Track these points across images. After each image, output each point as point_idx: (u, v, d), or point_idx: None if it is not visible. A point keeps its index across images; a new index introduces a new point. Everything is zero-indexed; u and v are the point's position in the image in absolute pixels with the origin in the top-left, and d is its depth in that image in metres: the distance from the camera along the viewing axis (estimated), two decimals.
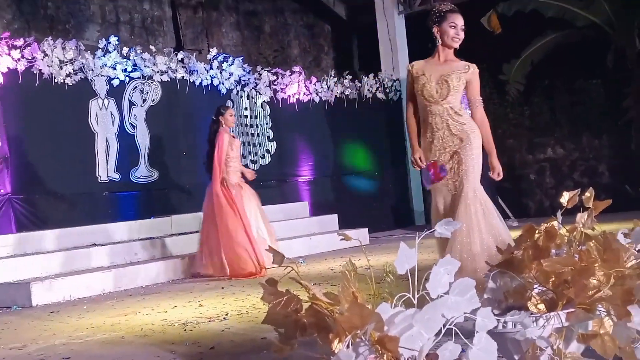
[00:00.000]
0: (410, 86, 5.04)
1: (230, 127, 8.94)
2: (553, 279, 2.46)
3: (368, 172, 14.41)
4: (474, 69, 5.01)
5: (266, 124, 12.64)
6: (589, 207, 2.71)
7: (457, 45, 5.01)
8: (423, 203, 14.59)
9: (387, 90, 14.67)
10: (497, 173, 5.05)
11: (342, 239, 2.57)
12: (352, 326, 1.91)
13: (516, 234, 2.64)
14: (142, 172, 10.60)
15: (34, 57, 9.28)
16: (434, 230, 2.28)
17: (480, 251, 4.52)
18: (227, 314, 5.81)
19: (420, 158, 4.91)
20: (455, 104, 4.93)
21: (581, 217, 2.67)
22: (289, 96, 12.90)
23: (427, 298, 1.95)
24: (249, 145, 12.13)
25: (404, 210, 14.70)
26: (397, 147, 14.69)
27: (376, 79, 14.39)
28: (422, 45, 15.59)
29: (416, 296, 1.96)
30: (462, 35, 4.98)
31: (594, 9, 16.29)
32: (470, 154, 4.87)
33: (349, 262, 2.29)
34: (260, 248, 8.49)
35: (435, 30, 4.99)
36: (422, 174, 4.94)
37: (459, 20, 4.97)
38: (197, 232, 9.90)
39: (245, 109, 12.25)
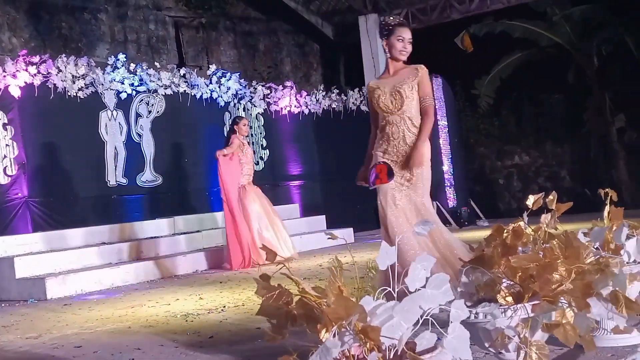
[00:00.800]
0: (370, 104, 4.73)
1: (243, 135, 9.09)
2: (520, 274, 2.46)
3: (352, 177, 14.38)
4: (422, 70, 4.59)
5: (260, 133, 12.65)
6: (552, 209, 2.71)
7: (404, 58, 4.61)
8: None
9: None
10: (413, 163, 4.46)
11: (329, 238, 2.56)
12: (338, 317, 1.90)
13: (486, 233, 2.64)
14: (148, 177, 10.59)
15: (49, 73, 9.28)
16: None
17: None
18: (224, 306, 5.79)
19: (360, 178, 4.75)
20: (412, 113, 4.53)
21: (545, 217, 2.68)
22: (281, 108, 12.92)
23: (406, 291, 1.94)
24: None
25: None
26: None
27: (360, 92, 14.39)
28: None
29: (396, 290, 1.95)
30: (409, 48, 4.59)
31: (557, 30, 16.38)
32: (421, 167, 4.52)
33: (335, 259, 2.29)
34: (256, 245, 8.58)
35: (384, 43, 4.63)
36: (370, 174, 4.50)
37: (406, 34, 4.57)
38: (198, 231, 9.93)
39: None
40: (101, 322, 5.58)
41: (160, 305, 6.22)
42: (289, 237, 9.28)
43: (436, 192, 13.45)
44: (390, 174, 4.37)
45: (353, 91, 14.36)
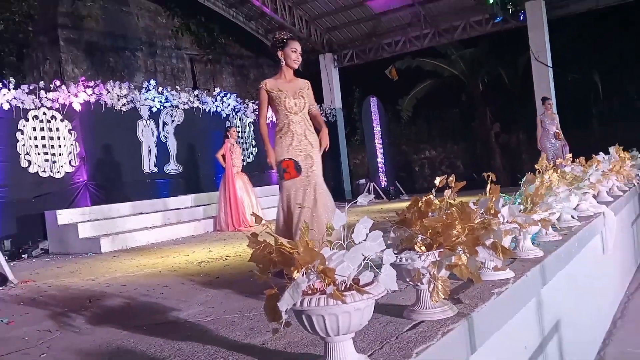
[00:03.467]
0: (265, 99, 3.89)
1: (233, 139, 9.05)
2: (430, 231, 2.45)
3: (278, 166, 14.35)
4: (309, 84, 4.00)
5: (251, 136, 12.53)
6: (452, 187, 2.71)
7: (297, 67, 3.94)
8: (350, 184, 14.60)
9: (328, 115, 14.59)
10: (326, 142, 3.94)
11: (299, 207, 2.56)
12: (306, 262, 1.88)
13: (407, 204, 2.63)
14: (172, 166, 10.44)
15: (100, 93, 9.13)
16: (356, 202, 2.24)
17: (324, 220, 3.53)
18: (227, 256, 5.77)
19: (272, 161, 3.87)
20: (307, 115, 3.92)
21: (447, 192, 2.68)
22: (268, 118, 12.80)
23: (353, 243, 1.92)
24: (241, 149, 12.07)
25: (339, 189, 14.66)
26: (334, 150, 14.64)
27: (320, 108, 14.34)
28: (348, 85, 15.64)
29: (346, 243, 1.93)
30: (300, 58, 3.93)
31: (454, 65, 16.50)
32: (318, 156, 3.87)
33: (304, 222, 2.26)
34: (247, 213, 8.59)
35: (279, 54, 3.88)
36: (278, 169, 3.78)
37: (298, 46, 3.91)
38: (208, 204, 9.83)
39: (238, 127, 12.12)
40: (139, 268, 5.55)
41: (181, 256, 6.21)
42: (262, 209, 9.12)
43: (373, 175, 13.53)
44: (297, 168, 3.74)
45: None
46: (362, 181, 13.76)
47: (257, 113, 12.40)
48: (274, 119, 4.03)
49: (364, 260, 1.92)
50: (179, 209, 9.48)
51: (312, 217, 3.62)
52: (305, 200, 3.71)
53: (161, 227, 8.54)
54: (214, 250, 6.37)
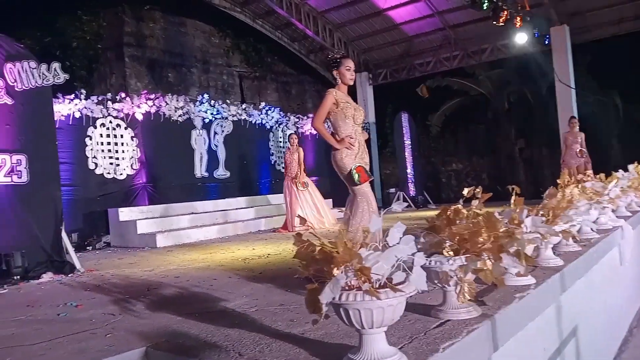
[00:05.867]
0: (329, 105, 3.76)
1: (292, 145, 8.92)
2: (458, 237, 2.45)
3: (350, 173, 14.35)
4: None
5: None
6: (479, 197, 2.70)
7: (352, 83, 3.87)
8: (381, 193, 14.57)
9: (363, 128, 14.56)
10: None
11: (339, 211, 2.58)
12: (344, 261, 1.90)
13: (433, 213, 2.64)
14: (221, 172, 10.59)
15: (160, 105, 9.36)
16: (391, 208, 2.26)
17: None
18: (269, 254, 5.83)
19: (352, 141, 3.74)
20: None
21: (474, 203, 2.67)
22: (305, 130, 12.90)
23: (388, 245, 1.95)
24: (281, 158, 12.14)
25: None
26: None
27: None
28: (382, 103, 15.63)
29: (381, 245, 1.95)
30: (354, 75, 3.87)
31: (481, 85, 16.30)
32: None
33: (342, 225, 2.30)
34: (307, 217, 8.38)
35: (335, 72, 3.81)
36: (352, 175, 3.72)
37: (351, 64, 3.83)
38: (251, 207, 9.95)
39: (280, 138, 12.24)
40: (191, 262, 5.65)
41: (227, 253, 6.30)
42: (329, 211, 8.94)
43: (402, 185, 13.45)
44: (367, 172, 3.75)
45: None
46: (393, 190, 13.70)
47: (297, 125, 12.57)
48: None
49: (396, 261, 1.94)
50: (226, 210, 9.62)
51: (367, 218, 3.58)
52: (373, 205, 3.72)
53: (210, 226, 8.68)
54: (256, 249, 6.44)
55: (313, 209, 8.70)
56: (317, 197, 8.80)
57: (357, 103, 3.95)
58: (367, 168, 3.83)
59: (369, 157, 3.93)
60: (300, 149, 8.86)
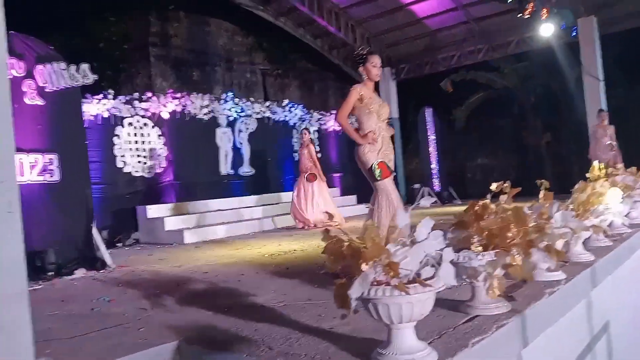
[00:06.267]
0: (354, 100, 3.79)
1: (305, 141, 8.80)
2: (486, 232, 2.44)
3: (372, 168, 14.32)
4: None
5: (315, 143, 12.65)
6: (508, 192, 2.68)
7: (379, 79, 3.89)
8: (405, 189, 14.49)
9: (389, 124, 14.47)
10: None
11: (367, 207, 2.59)
12: (373, 256, 1.91)
13: (459, 208, 2.63)
14: (246, 169, 10.69)
15: (185, 104, 9.46)
16: (419, 204, 2.26)
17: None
18: (295, 250, 5.88)
19: (375, 137, 3.77)
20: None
21: (503, 197, 2.65)
22: (328, 127, 12.91)
23: (416, 241, 1.95)
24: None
25: None
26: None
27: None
28: (406, 98, 15.53)
29: (409, 240, 1.96)
30: (381, 71, 3.89)
31: (507, 78, 16.04)
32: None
33: (371, 221, 2.30)
34: (317, 212, 8.44)
35: (361, 69, 3.85)
36: (374, 171, 3.74)
37: (377, 60, 3.84)
38: (277, 203, 9.99)
39: None
40: (218, 258, 5.72)
41: (254, 249, 6.35)
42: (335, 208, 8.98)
43: (426, 181, 13.37)
44: (389, 168, 3.78)
45: None
46: (417, 186, 13.61)
47: (320, 122, 12.58)
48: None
49: (425, 256, 1.94)
50: (251, 206, 9.70)
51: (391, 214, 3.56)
52: (396, 200, 3.72)
53: (236, 222, 8.77)
54: (283, 245, 6.49)
55: (319, 205, 8.59)
56: (323, 195, 8.71)
57: (381, 98, 3.95)
58: (391, 164, 3.85)
59: (393, 153, 3.95)
60: (311, 145, 8.75)
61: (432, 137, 13.66)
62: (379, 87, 14.71)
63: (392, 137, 3.97)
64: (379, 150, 3.81)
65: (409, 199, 13.42)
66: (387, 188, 3.75)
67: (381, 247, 1.90)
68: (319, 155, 12.52)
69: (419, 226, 2.01)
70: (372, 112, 3.80)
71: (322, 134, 12.83)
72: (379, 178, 3.74)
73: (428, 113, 13.64)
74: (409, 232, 1.99)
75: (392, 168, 3.85)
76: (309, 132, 9.01)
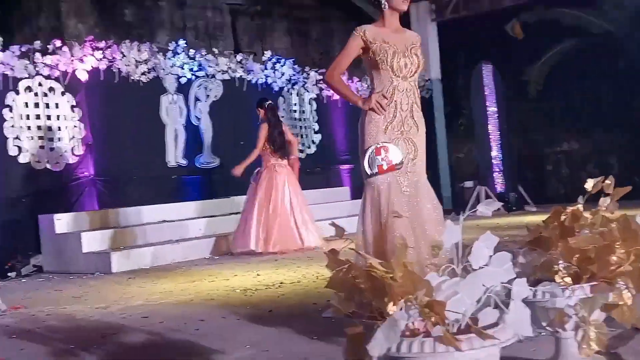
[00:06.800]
0: (354, 50, 3.83)
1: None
2: (577, 255, 2.45)
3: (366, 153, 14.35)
4: (420, 40, 3.99)
5: (313, 118, 12.68)
6: (610, 193, 2.68)
7: (406, 8, 3.91)
8: (451, 189, 14.49)
9: (420, 89, 14.46)
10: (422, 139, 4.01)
11: (394, 216, 2.59)
12: (405, 291, 1.93)
13: (534, 218, 2.62)
14: (206, 158, 10.71)
15: (113, 58, 9.46)
16: (475, 211, 2.26)
17: (431, 234, 3.48)
18: (281, 283, 5.88)
19: (382, 99, 3.72)
20: (417, 83, 3.91)
21: (603, 201, 2.66)
22: (333, 94, 12.86)
23: (470, 269, 1.95)
24: (298, 136, 12.16)
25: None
26: (428, 138, 14.43)
27: None
28: (452, 49, 15.52)
29: (459, 267, 1.97)
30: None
31: (608, 18, 16.02)
32: (423, 145, 3.92)
33: (400, 237, 2.30)
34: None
35: None
36: (368, 158, 3.68)
37: None
38: None
39: (295, 104, 12.31)
40: (165, 295, 5.72)
41: (219, 280, 6.35)
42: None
43: (484, 176, 13.37)
44: (397, 159, 3.68)
45: None
46: (469, 184, 13.63)
47: (321, 86, 12.55)
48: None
49: (485, 292, 1.95)
50: (215, 216, 9.67)
51: (414, 231, 3.53)
52: (404, 205, 3.64)
53: (192, 240, 8.77)
54: (262, 275, 6.49)
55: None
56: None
57: None
58: (414, 151, 3.82)
59: (423, 131, 3.92)
60: (264, 124, 8.71)
61: (492, 109, 13.68)
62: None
63: (426, 107, 3.92)
64: (388, 124, 3.77)
65: (457, 203, 13.41)
66: (376, 193, 3.70)
67: (417, 278, 1.91)
68: (318, 138, 12.54)
69: (476, 245, 2.02)
70: (385, 64, 3.76)
71: (323, 105, 12.84)
72: (369, 172, 3.68)
73: (486, 72, 13.64)
74: (460, 254, 1.99)
75: (415, 156, 3.80)
76: (267, 108, 8.85)
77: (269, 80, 11.72)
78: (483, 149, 13.65)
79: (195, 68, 10.56)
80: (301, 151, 12.02)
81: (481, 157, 13.75)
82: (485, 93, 13.64)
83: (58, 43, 9.09)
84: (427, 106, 14.61)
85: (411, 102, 3.82)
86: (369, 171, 3.69)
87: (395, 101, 3.77)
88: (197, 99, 10.63)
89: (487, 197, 12.83)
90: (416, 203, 3.71)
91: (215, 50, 11.30)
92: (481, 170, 13.62)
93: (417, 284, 1.91)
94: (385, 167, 3.65)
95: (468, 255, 2.02)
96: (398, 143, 3.75)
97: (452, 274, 2.03)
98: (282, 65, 11.98)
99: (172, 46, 10.49)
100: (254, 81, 11.44)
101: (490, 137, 13.59)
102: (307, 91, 12.51)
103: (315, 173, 12.25)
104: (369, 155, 3.69)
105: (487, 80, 13.66)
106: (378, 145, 3.69)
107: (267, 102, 8.94)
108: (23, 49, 8.75)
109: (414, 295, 1.92)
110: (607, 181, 2.75)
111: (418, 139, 3.86)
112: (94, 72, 9.26)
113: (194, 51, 10.65)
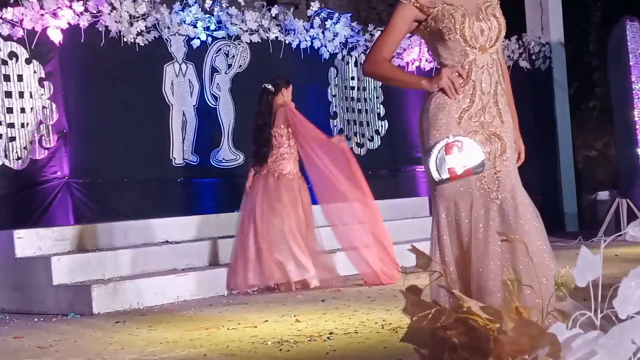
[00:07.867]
0: (407, 19, 3.81)
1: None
2: None
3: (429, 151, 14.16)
4: None
5: (377, 97, 12.62)
6: None
7: None
8: (577, 203, 14.34)
9: (534, 57, 14.39)
10: (520, 154, 3.98)
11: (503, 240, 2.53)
12: (519, 349, 1.93)
13: None
14: (226, 154, 10.79)
15: (99, 11, 9.48)
16: (621, 234, 2.26)
17: (545, 265, 3.47)
18: (331, 333, 5.84)
19: (456, 78, 3.72)
20: (501, 56, 3.90)
21: None
22: (407, 63, 12.84)
23: (614, 319, 1.95)
24: (354, 124, 12.15)
25: (552, 211, 14.22)
26: (545, 129, 14.38)
27: (519, 42, 14.11)
28: (580, 3, 15.37)
29: (599, 316, 1.96)
30: None
31: None
32: (513, 142, 3.86)
33: (512, 270, 2.30)
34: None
35: None
36: (436, 158, 3.67)
37: None
38: None
39: (352, 78, 12.33)
40: (167, 347, 5.73)
41: (243, 328, 6.34)
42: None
43: (627, 184, 13.18)
44: (477, 164, 3.65)
45: (509, 40, 13.96)
46: (605, 195, 13.49)
47: (362, 71, 12.40)
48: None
49: (636, 353, 1.94)
50: (233, 236, 9.67)
51: (514, 259, 3.45)
52: (492, 222, 3.64)
53: (204, 269, 8.84)
54: (304, 321, 6.48)
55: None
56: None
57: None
58: (501, 147, 3.79)
59: (510, 123, 3.88)
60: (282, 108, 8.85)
61: (639, 86, 13.49)
62: None
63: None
64: (462, 112, 3.77)
65: (586, 223, 13.29)
66: (449, 205, 3.74)
67: (538, 331, 1.91)
68: (384, 126, 12.51)
69: (623, 285, 2.01)
70: (454, 31, 3.76)
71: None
72: (436, 177, 3.69)
73: (632, 31, 13.47)
74: (597, 296, 1.99)
75: (503, 151, 3.76)
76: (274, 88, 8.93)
77: (316, 44, 11.73)
78: (624, 143, 13.49)
79: (213, 27, 10.62)
80: (360, 145, 12.01)
81: (623, 156, 13.58)
82: (630, 63, 13.45)
83: None
84: (543, 82, 14.55)
85: (494, 81, 3.81)
86: (436, 176, 3.67)
87: (474, 81, 3.77)
88: (214, 70, 10.70)
89: (631, 214, 12.66)
90: (514, 217, 3.64)
91: (242, 2, 11.32)
92: (623, 176, 13.47)
93: (536, 338, 1.91)
94: (459, 170, 3.62)
95: (611, 298, 2.01)
96: (476, 137, 3.73)
97: (588, 326, 2.03)
98: (334, 23, 11.99)
99: None
100: (294, 45, 11.47)
101: (636, 126, 13.41)
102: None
103: (379, 177, 12.13)
104: (437, 155, 3.65)
105: (635, 44, 13.48)
106: (449, 141, 3.66)
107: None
108: None
109: (531, 355, 1.92)
110: None
111: (506, 132, 3.82)
112: (71, 32, 9.32)
113: (211, 2, 10.63)
